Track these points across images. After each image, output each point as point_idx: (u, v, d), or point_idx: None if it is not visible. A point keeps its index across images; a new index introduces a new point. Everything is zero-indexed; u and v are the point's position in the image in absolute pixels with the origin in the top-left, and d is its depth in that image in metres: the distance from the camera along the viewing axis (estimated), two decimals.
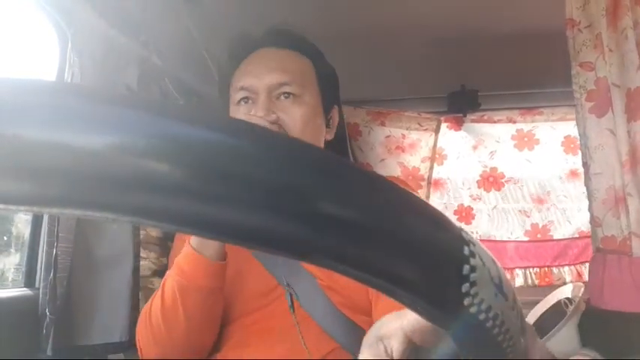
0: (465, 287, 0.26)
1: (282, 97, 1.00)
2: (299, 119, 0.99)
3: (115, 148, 0.20)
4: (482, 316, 0.27)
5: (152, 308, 0.93)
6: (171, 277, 0.92)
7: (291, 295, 0.95)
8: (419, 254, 0.24)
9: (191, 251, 0.90)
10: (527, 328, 0.36)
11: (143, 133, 0.20)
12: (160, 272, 1.36)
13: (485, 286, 0.27)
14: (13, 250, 1.30)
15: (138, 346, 0.96)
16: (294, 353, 0.91)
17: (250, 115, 0.96)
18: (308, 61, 1.07)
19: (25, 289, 1.09)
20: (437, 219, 0.26)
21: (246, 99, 1.02)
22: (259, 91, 1.00)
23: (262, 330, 0.95)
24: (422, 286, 0.25)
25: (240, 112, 1.02)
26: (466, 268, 0.26)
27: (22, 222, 1.24)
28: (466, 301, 0.26)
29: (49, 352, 1.00)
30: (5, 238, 1.32)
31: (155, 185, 0.20)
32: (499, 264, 0.29)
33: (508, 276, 0.35)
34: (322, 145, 1.07)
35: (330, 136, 1.11)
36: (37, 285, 1.10)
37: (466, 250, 0.26)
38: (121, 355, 1.18)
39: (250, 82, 1.01)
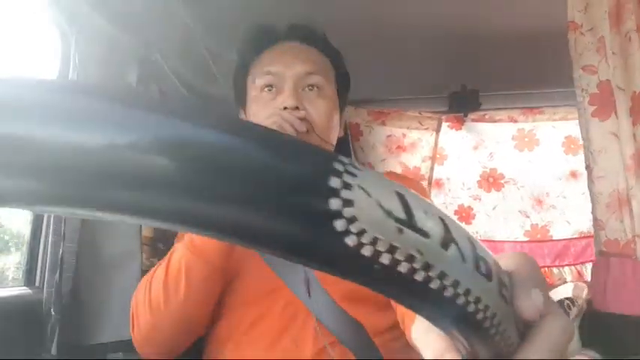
0: (339, 225, 0.22)
1: (307, 89, 1.01)
2: (323, 112, 1.01)
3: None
4: (385, 259, 0.23)
5: (154, 277, 0.94)
6: (179, 249, 0.93)
7: (308, 281, 0.95)
8: (269, 195, 0.21)
9: None
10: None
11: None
12: None
13: (374, 221, 0.22)
14: (13, 249, 1.29)
15: (131, 313, 0.96)
16: (294, 347, 0.92)
17: (283, 111, 0.96)
18: (328, 60, 1.09)
19: (25, 288, 1.09)
20: (291, 151, 0.22)
21: (270, 86, 1.02)
22: (287, 78, 1.00)
23: (264, 326, 0.95)
24: (287, 231, 0.22)
25: (263, 99, 1.02)
26: (335, 202, 0.22)
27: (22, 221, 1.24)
28: (349, 241, 0.22)
29: (53, 352, 1.00)
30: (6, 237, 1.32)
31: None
32: (416, 198, 0.24)
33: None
34: (335, 140, 1.09)
35: (340, 134, 1.13)
36: (37, 284, 1.10)
37: (334, 182, 0.22)
38: (120, 355, 1.18)
39: (278, 68, 1.01)
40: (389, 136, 1.97)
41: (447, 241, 0.24)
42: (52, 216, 1.04)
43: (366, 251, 0.22)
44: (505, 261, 0.31)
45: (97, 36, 1.11)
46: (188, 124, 0.21)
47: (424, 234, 0.23)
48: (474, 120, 2.01)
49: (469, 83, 1.88)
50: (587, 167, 1.05)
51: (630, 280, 0.96)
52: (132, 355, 1.19)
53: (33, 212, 1.08)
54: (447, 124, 2.02)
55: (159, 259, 1.34)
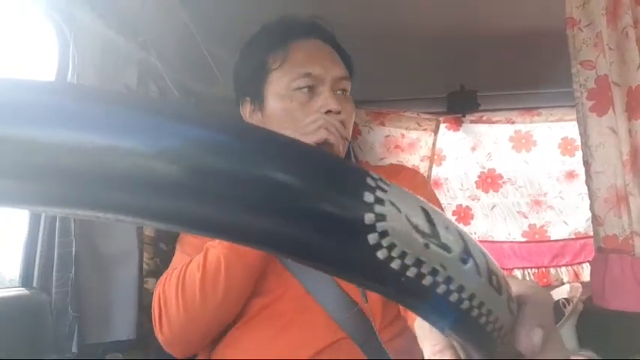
0: (372, 238, 0.22)
1: (339, 93, 1.00)
2: (350, 117, 1.00)
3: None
4: (411, 272, 0.23)
5: (187, 276, 0.93)
6: (216, 249, 0.92)
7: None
8: (309, 209, 0.22)
9: None
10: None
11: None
12: (153, 272, 1.35)
13: (404, 235, 0.23)
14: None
15: (157, 313, 0.95)
16: (301, 340, 0.92)
17: (327, 116, 0.95)
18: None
19: (22, 288, 1.09)
20: (330, 167, 0.23)
21: (307, 87, 0.99)
22: (326, 81, 0.98)
23: (272, 314, 0.96)
24: (321, 243, 0.22)
25: (297, 100, 0.99)
26: (369, 217, 0.22)
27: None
28: (380, 255, 0.23)
29: (74, 350, 1.01)
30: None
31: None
32: (437, 213, 0.25)
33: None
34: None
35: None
36: (34, 284, 1.10)
37: (368, 197, 0.23)
38: (119, 355, 1.17)
39: (318, 70, 0.98)
40: (387, 136, 1.97)
41: (466, 255, 0.25)
42: (57, 217, 1.05)
43: (395, 264, 0.23)
44: (522, 288, 0.32)
45: (95, 37, 1.11)
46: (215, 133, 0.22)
47: (447, 249, 0.25)
48: (471, 121, 2.01)
49: (467, 84, 1.88)
50: (585, 163, 1.04)
51: (629, 276, 0.95)
52: (130, 355, 1.19)
53: (33, 212, 1.08)
54: (445, 125, 2.02)
55: (160, 260, 1.34)
